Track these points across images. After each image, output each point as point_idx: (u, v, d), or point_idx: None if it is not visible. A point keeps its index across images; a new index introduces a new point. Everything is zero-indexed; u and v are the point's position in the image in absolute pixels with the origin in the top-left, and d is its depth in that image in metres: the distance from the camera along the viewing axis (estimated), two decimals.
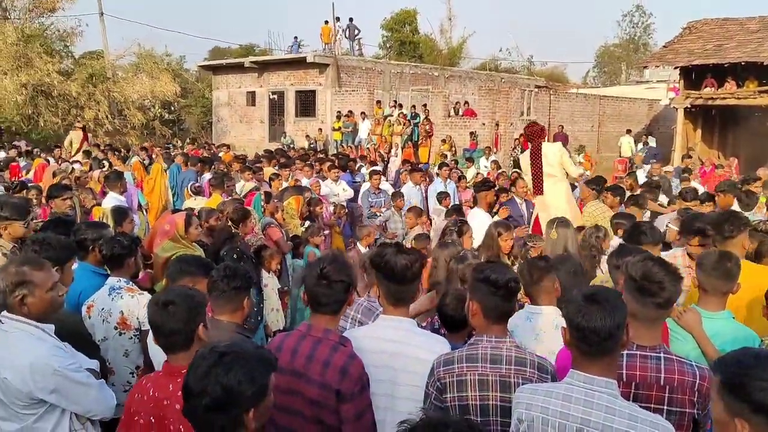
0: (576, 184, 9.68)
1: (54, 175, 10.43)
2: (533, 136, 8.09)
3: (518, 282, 2.68)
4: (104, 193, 9.83)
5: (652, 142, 23.86)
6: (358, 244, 7.62)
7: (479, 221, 7.26)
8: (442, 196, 9.96)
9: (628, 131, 26.04)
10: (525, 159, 8.09)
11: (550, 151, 7.92)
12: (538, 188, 7.99)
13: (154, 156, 15.69)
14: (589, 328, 2.23)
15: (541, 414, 2.30)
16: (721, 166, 16.55)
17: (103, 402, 3.01)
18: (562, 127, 24.31)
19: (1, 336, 2.87)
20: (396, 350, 2.85)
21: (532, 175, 8.00)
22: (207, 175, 11.11)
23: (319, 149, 21.35)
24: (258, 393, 2.00)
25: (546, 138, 8.63)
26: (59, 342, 2.97)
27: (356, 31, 28.97)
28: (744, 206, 7.55)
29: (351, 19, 28.65)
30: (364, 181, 12.42)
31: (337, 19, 28.32)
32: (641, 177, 12.31)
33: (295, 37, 28.99)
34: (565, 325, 2.34)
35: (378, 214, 10.16)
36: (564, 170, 8.01)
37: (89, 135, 20.65)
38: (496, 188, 8.94)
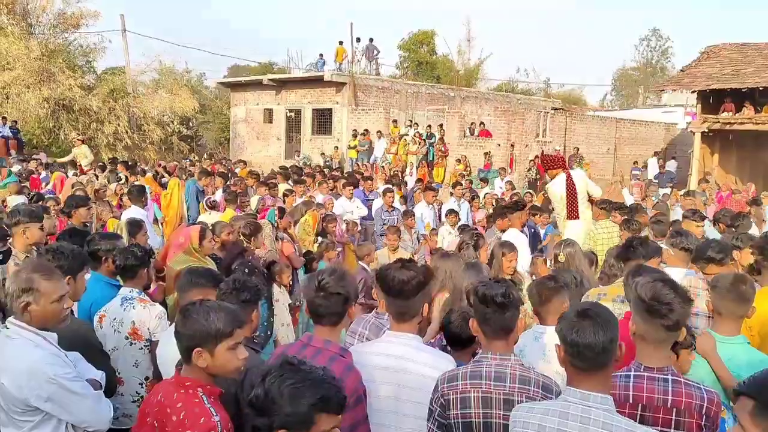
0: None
1: (72, 186, 10.59)
2: (555, 164, 8.50)
3: (508, 297, 2.64)
4: (120, 206, 9.95)
5: (671, 166, 23.74)
6: (360, 261, 7.66)
7: (518, 242, 7.44)
8: (449, 213, 9.95)
9: (656, 153, 25.82)
10: (557, 187, 8.37)
11: (577, 177, 8.39)
12: (574, 213, 8.45)
13: (172, 171, 15.85)
14: (583, 344, 2.25)
15: None
16: (738, 191, 16.39)
17: (98, 414, 2.96)
18: (578, 149, 24.29)
19: (4, 341, 2.87)
20: (401, 366, 2.85)
21: (568, 202, 8.41)
22: (221, 190, 11.20)
23: (334, 167, 21.45)
24: (296, 416, 1.97)
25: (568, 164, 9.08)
26: (59, 350, 2.95)
27: (375, 52, 29.20)
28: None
29: (371, 40, 28.89)
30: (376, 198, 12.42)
31: (358, 39, 28.59)
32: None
33: (321, 55, 29.20)
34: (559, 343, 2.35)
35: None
36: (586, 195, 8.45)
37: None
38: (527, 208, 9.03)
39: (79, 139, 19.61)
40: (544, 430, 2.29)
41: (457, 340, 3.45)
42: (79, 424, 2.93)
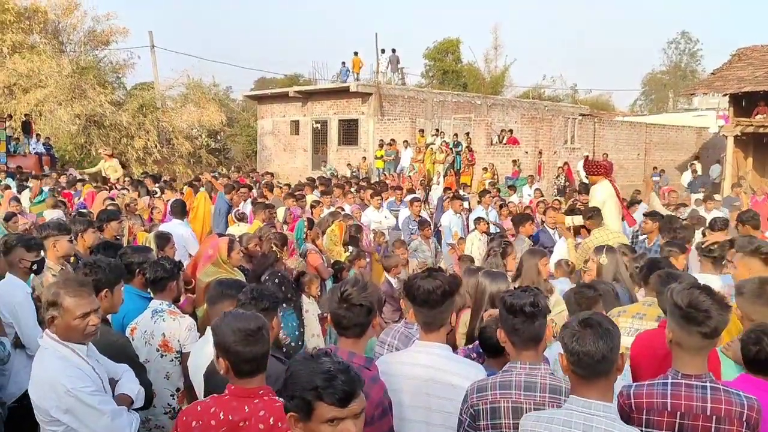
0: None
1: (103, 201, 10.74)
2: (599, 170, 8.62)
3: (537, 306, 2.64)
4: (151, 220, 10.08)
5: (715, 171, 23.35)
6: (386, 273, 7.63)
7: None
8: (477, 221, 9.92)
9: (697, 157, 25.38)
10: (599, 193, 8.41)
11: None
12: (630, 219, 8.74)
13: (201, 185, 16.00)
14: (582, 352, 2.29)
15: None
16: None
17: (114, 430, 2.96)
18: (607, 155, 24.01)
19: (39, 352, 2.99)
20: (430, 376, 2.82)
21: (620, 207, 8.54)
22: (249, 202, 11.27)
23: (361, 177, 21.49)
24: (295, 401, 2.02)
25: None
26: (88, 363, 2.98)
27: (398, 62, 29.33)
28: None
29: (393, 51, 28.98)
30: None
31: (382, 51, 28.73)
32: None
33: (343, 63, 29.26)
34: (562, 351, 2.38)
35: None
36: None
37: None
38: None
39: (107, 153, 19.85)
40: None
41: (491, 348, 3.41)
42: None
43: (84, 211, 10.03)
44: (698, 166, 23.81)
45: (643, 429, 2.47)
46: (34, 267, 4.37)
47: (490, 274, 4.30)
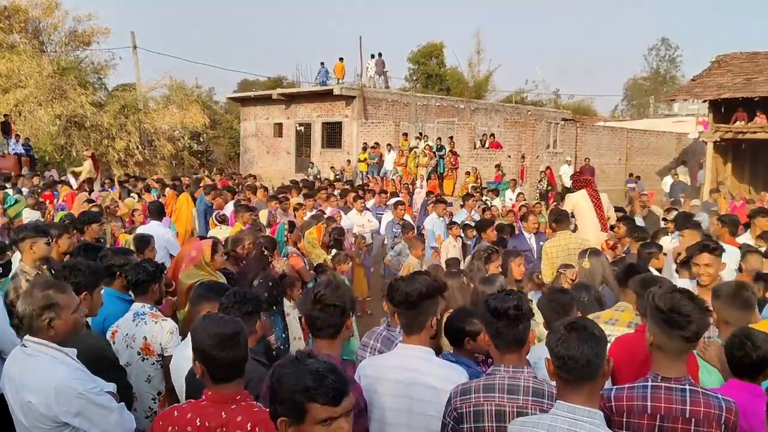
0: None
1: (84, 203, 10.64)
2: (583, 183, 8.82)
3: (521, 309, 2.65)
4: (132, 222, 9.99)
5: (702, 176, 23.53)
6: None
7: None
8: (452, 225, 9.92)
9: (683, 162, 25.56)
10: (577, 200, 8.53)
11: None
12: (606, 226, 8.74)
13: (184, 186, 15.90)
14: (568, 356, 2.29)
15: None
16: (752, 200, 16.25)
17: (123, 426, 3.01)
18: (589, 160, 24.23)
19: (26, 360, 2.90)
20: (413, 379, 2.83)
21: (598, 216, 8.66)
22: (231, 205, 11.21)
23: (345, 180, 21.47)
24: (287, 404, 2.01)
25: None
26: (81, 365, 3.00)
27: (383, 66, 29.37)
28: None
29: (380, 55, 29.06)
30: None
31: (372, 56, 28.81)
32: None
33: (322, 63, 29.17)
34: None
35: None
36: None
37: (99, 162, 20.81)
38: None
39: (87, 154, 19.66)
40: None
41: (458, 339, 3.44)
42: None
43: (68, 213, 9.94)
44: (681, 171, 23.99)
45: None
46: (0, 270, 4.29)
47: (486, 281, 4.31)
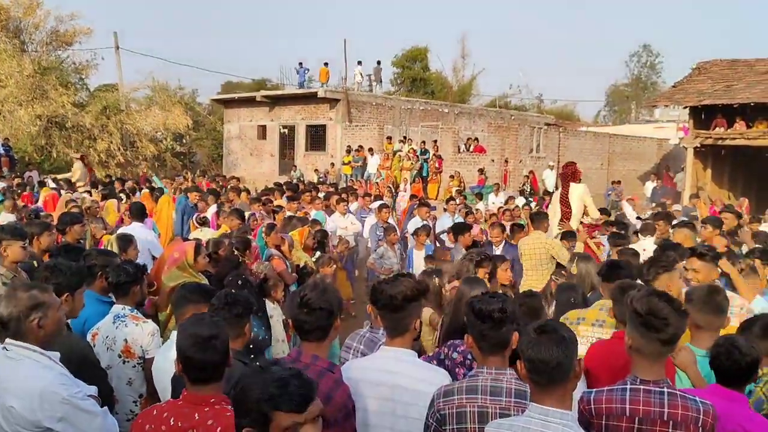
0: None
1: (66, 204, 10.53)
2: (566, 177, 8.64)
3: (505, 312, 2.66)
4: (122, 222, 9.92)
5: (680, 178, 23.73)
6: None
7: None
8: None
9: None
10: (555, 199, 8.63)
11: (578, 192, 8.37)
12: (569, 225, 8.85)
13: (167, 188, 15.82)
14: (538, 359, 2.32)
15: None
16: (731, 206, 16.44)
17: (107, 430, 2.98)
18: (569, 166, 24.33)
19: (8, 363, 2.85)
20: (396, 382, 2.83)
21: (562, 214, 8.80)
22: (213, 207, 11.17)
23: (328, 183, 21.45)
24: (251, 413, 1.97)
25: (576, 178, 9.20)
26: (65, 369, 2.96)
27: (381, 74, 29.74)
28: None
29: (378, 62, 29.18)
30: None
31: (358, 62, 28.87)
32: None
33: (300, 63, 29.18)
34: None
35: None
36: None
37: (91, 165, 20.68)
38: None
39: (76, 157, 19.50)
40: None
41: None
42: None
43: (41, 213, 9.84)
44: (680, 178, 24.12)
45: None
46: None
47: (469, 281, 4.32)
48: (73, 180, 17.37)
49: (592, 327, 4.06)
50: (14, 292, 2.92)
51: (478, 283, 4.30)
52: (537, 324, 2.45)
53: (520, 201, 16.56)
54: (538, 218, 7.73)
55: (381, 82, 29.59)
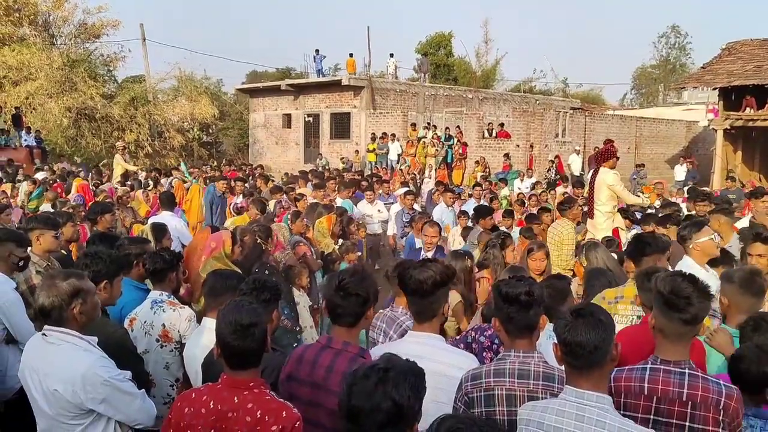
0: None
1: (95, 195, 10.78)
2: (597, 158, 8.58)
3: (532, 295, 2.68)
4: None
5: (678, 173, 23.38)
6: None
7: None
8: (461, 215, 9.80)
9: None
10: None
11: (605, 178, 8.30)
12: (591, 212, 8.40)
13: (195, 177, 16.03)
14: (575, 342, 2.32)
15: (536, 429, 2.38)
16: (762, 188, 16.18)
17: (146, 411, 3.11)
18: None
19: (49, 349, 2.94)
20: (424, 367, 2.88)
21: (587, 199, 8.40)
22: (240, 197, 11.32)
23: (354, 170, 21.51)
24: (420, 406, 2.09)
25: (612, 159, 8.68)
26: (103, 353, 3.06)
27: (426, 66, 29.86)
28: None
29: (424, 55, 29.11)
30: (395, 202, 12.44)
31: (391, 55, 29.40)
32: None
33: (317, 51, 29.16)
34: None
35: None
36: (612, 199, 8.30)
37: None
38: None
39: (119, 146, 19.72)
40: (542, 427, 2.37)
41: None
42: (131, 423, 3.08)
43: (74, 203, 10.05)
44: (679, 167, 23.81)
45: (621, 412, 2.50)
46: (21, 263, 4.35)
47: (513, 270, 4.37)
48: (119, 172, 17.61)
49: (631, 305, 4.02)
50: (53, 280, 2.98)
51: (520, 271, 4.34)
52: (574, 307, 2.46)
53: (560, 189, 16.36)
54: (564, 206, 7.67)
55: (426, 74, 29.66)
